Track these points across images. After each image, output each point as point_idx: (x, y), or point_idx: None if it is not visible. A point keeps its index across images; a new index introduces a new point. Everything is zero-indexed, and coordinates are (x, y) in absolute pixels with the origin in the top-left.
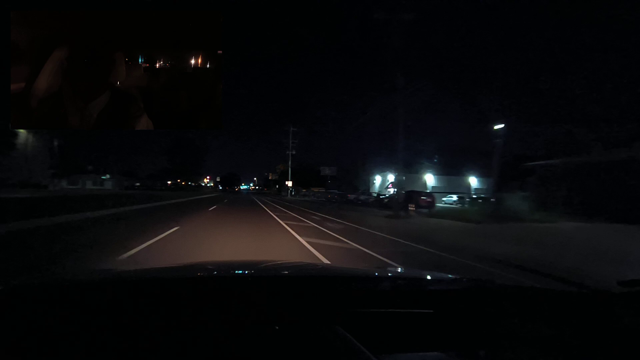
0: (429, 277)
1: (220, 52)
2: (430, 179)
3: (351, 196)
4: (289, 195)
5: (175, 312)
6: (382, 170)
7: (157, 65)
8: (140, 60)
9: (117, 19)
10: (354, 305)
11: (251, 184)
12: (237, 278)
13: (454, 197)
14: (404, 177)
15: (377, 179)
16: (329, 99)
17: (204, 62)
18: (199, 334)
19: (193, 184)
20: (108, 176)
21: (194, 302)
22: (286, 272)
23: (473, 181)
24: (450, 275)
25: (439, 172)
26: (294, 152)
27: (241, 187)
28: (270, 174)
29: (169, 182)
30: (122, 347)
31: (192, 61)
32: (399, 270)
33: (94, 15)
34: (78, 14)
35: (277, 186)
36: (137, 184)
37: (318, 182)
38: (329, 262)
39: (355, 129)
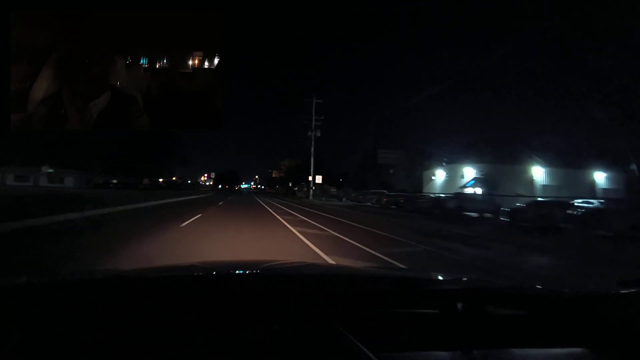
0: (429, 277)
1: (220, 52)
2: (539, 173)
3: (450, 203)
4: (310, 197)
5: (174, 312)
6: (452, 162)
7: (157, 65)
8: (141, 61)
9: (117, 19)
10: (355, 305)
11: (252, 183)
12: (238, 278)
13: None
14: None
15: (439, 175)
16: (343, 82)
17: (204, 62)
18: (199, 333)
19: (190, 182)
20: (51, 170)
21: (193, 302)
22: (287, 272)
23: (599, 177)
24: (449, 275)
25: (552, 163)
26: (318, 134)
27: (241, 186)
28: (274, 171)
29: (161, 180)
30: (121, 347)
31: (192, 61)
32: (401, 270)
33: (94, 15)
34: (78, 14)
35: (289, 184)
36: (114, 180)
37: (331, 181)
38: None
39: (385, 113)
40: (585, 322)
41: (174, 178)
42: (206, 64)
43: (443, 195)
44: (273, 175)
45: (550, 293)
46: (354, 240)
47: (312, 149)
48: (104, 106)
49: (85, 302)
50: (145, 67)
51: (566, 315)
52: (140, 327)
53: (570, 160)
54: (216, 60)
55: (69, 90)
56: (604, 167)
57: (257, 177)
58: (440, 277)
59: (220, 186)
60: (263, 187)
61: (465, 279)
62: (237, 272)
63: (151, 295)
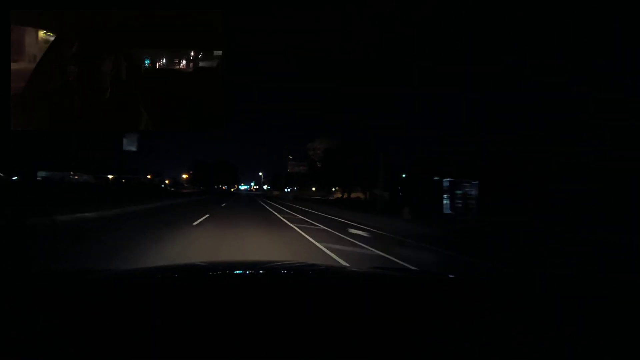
0: (430, 278)
1: (223, 51)
2: None
3: None
4: None
5: (174, 313)
6: None
7: (158, 65)
8: (143, 61)
9: (119, 19)
10: (354, 306)
11: (252, 183)
12: (238, 278)
13: None
14: None
15: None
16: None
17: (206, 62)
18: (197, 335)
19: (164, 182)
20: None
21: (193, 303)
22: (287, 273)
23: None
24: (450, 275)
25: None
26: None
27: (240, 187)
28: (289, 163)
29: (110, 177)
30: (120, 348)
31: (194, 61)
32: (404, 272)
33: (96, 15)
34: (79, 14)
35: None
36: None
37: (368, 181)
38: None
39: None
40: (576, 320)
41: (148, 176)
42: (208, 64)
43: None
44: (289, 170)
45: (554, 295)
46: None
47: None
48: (105, 106)
49: (84, 303)
50: (147, 67)
51: (567, 315)
52: (138, 329)
53: None
54: (218, 60)
55: (69, 90)
56: None
57: (260, 174)
58: (444, 278)
59: (216, 187)
60: (270, 187)
61: (465, 279)
62: (237, 272)
63: (151, 296)
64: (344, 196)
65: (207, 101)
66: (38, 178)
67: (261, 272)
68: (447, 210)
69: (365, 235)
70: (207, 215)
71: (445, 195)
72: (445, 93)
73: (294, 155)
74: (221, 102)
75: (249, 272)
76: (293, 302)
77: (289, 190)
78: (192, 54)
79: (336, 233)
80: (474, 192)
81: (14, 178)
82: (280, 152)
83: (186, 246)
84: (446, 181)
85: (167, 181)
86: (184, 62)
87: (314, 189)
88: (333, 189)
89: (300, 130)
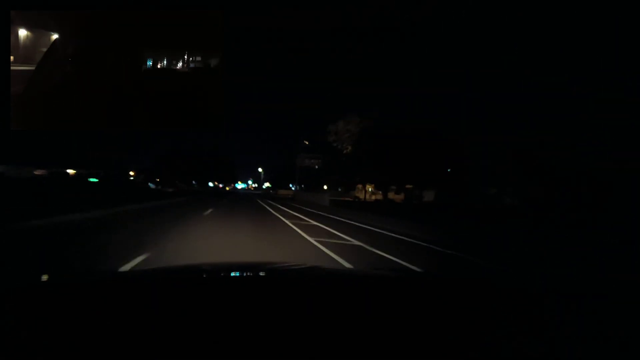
0: (431, 278)
1: (222, 51)
2: None
3: None
4: None
5: (174, 314)
6: None
7: (159, 65)
8: (142, 61)
9: (118, 19)
10: (354, 306)
11: (250, 181)
12: (238, 280)
13: None
14: None
15: None
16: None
17: (205, 62)
18: (196, 336)
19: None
20: None
21: (192, 304)
22: (288, 274)
23: None
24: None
25: None
26: None
27: (236, 186)
28: (299, 156)
29: (72, 172)
30: (120, 349)
31: (193, 61)
32: (404, 272)
33: (95, 15)
34: (79, 14)
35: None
36: None
37: (434, 174)
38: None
39: None
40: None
41: (131, 172)
42: (208, 64)
43: None
44: (298, 164)
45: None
46: None
47: None
48: (104, 105)
49: (84, 303)
50: (147, 67)
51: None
52: (138, 330)
53: None
54: (218, 60)
55: (69, 90)
56: None
57: (260, 170)
58: (441, 277)
59: (213, 184)
60: (272, 186)
61: (465, 279)
62: (236, 274)
63: (151, 297)
64: (373, 197)
65: (206, 101)
66: None
67: (262, 273)
68: None
69: None
70: None
71: None
72: (445, 93)
73: (300, 149)
74: (221, 102)
75: (250, 274)
76: (293, 302)
77: (296, 188)
78: (191, 54)
79: None
80: None
81: None
82: (280, 150)
83: None
84: None
85: (157, 179)
86: (184, 62)
87: (325, 187)
88: (360, 187)
89: (300, 129)
